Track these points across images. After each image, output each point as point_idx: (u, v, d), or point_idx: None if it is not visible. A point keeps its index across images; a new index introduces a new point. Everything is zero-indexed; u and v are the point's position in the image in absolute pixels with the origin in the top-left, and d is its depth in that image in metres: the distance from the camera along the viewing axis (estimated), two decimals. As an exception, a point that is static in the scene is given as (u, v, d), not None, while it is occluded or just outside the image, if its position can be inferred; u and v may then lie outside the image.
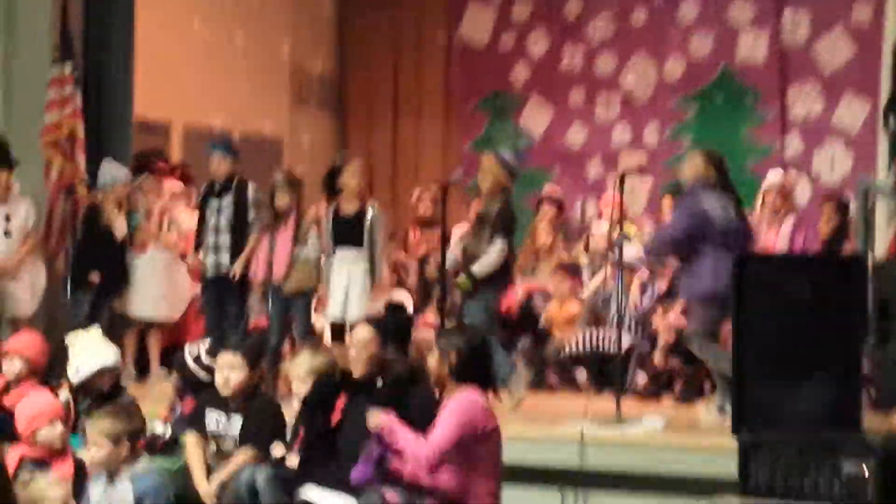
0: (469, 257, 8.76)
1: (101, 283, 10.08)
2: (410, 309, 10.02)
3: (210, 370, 7.42)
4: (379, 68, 15.19)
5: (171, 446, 7.24)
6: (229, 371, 7.07)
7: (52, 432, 6.69)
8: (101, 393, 7.42)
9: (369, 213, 9.28)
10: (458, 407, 5.91)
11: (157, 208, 10.58)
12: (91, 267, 10.14)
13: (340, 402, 6.70)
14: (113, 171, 10.37)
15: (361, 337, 6.60)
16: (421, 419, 6.13)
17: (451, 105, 14.99)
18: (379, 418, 6.02)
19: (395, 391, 6.45)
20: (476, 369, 6.09)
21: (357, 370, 6.57)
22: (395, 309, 7.32)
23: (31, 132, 10.56)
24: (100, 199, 10.32)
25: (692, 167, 8.37)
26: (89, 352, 7.53)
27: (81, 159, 10.60)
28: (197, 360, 7.56)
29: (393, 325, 6.69)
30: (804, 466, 6.37)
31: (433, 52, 15.08)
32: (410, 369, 6.67)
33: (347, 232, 9.31)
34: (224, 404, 7.14)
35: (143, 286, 10.39)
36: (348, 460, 6.38)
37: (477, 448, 5.91)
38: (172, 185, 10.85)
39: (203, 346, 7.74)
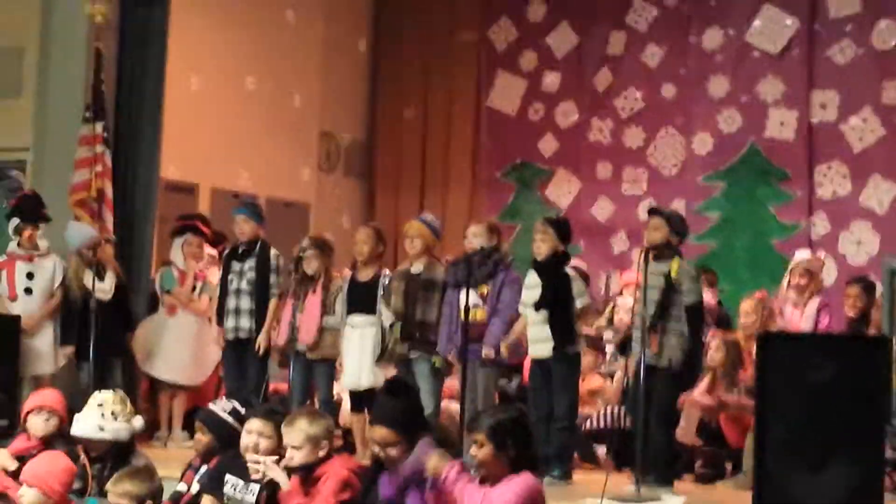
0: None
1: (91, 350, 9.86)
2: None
3: (238, 416, 7.39)
4: (408, 135, 15.30)
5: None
6: (258, 437, 7.00)
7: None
8: (116, 456, 7.37)
9: (382, 281, 9.31)
10: (520, 488, 5.81)
11: (193, 271, 10.60)
12: (69, 336, 10.06)
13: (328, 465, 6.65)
14: (76, 232, 10.27)
15: (379, 438, 6.49)
16: None
17: (479, 175, 15.06)
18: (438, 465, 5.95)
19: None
20: (527, 450, 6.02)
21: (387, 465, 6.50)
22: (398, 387, 7.16)
23: (61, 190, 10.63)
24: (68, 266, 10.22)
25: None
26: (94, 414, 7.45)
27: (109, 218, 10.66)
28: (233, 412, 7.50)
29: (398, 416, 6.56)
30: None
31: (463, 121, 15.17)
32: (437, 444, 6.58)
33: (361, 299, 9.36)
34: (244, 471, 7.08)
35: (171, 349, 10.43)
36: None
37: None
38: (209, 250, 10.88)
39: (229, 402, 7.67)
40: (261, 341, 9.61)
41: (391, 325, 9.18)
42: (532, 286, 8.84)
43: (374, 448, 6.42)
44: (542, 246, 8.85)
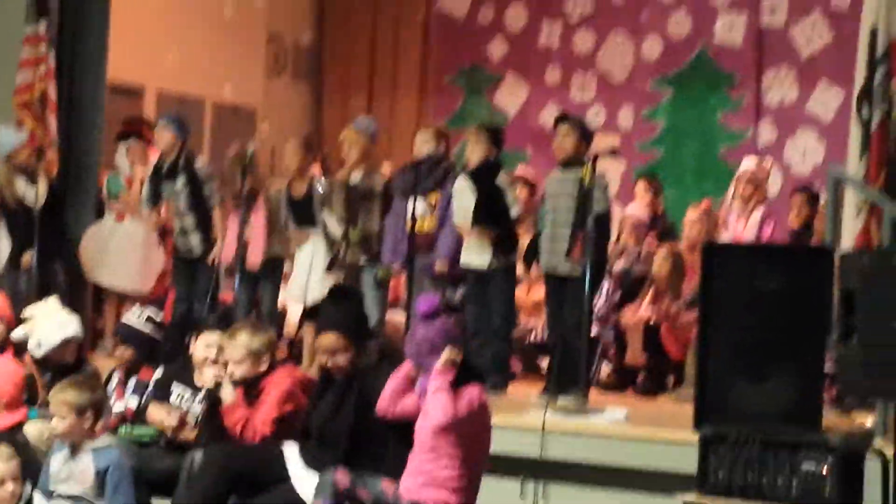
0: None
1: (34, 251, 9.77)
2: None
3: (154, 322, 7.44)
4: (357, 39, 15.14)
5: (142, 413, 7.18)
6: (217, 350, 7.00)
7: None
8: (64, 365, 7.38)
9: (317, 192, 9.27)
10: (474, 392, 5.85)
11: (139, 176, 10.46)
12: (13, 238, 9.95)
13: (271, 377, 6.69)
14: (4, 138, 10.11)
15: (329, 345, 6.48)
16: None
17: (427, 80, 14.96)
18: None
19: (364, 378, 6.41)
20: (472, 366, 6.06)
21: (336, 374, 6.49)
22: (341, 294, 7.16)
23: (5, 92, 10.46)
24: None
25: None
26: (52, 323, 7.46)
27: (53, 122, 10.49)
28: (149, 320, 7.51)
29: (347, 321, 6.56)
30: (763, 464, 6.40)
31: (412, 25, 15.03)
32: (380, 353, 6.60)
33: (302, 213, 9.31)
34: (192, 381, 7.11)
35: (119, 257, 10.29)
36: (319, 443, 6.39)
37: (472, 439, 5.86)
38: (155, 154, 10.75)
39: (143, 310, 7.67)
40: (214, 255, 9.51)
41: (345, 232, 9.10)
42: (460, 193, 8.72)
43: (322, 357, 6.45)
44: (474, 152, 8.75)
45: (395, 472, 5.94)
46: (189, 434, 6.89)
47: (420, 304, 6.04)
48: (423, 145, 9.19)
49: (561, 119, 8.88)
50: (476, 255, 8.62)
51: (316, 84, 15.17)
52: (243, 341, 6.65)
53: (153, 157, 10.42)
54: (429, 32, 14.99)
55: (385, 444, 6.16)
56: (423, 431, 5.82)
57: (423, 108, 14.78)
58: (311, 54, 15.18)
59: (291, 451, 6.37)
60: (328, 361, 6.37)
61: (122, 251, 10.33)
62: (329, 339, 6.39)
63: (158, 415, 7.00)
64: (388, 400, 5.99)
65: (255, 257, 9.26)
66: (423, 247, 8.82)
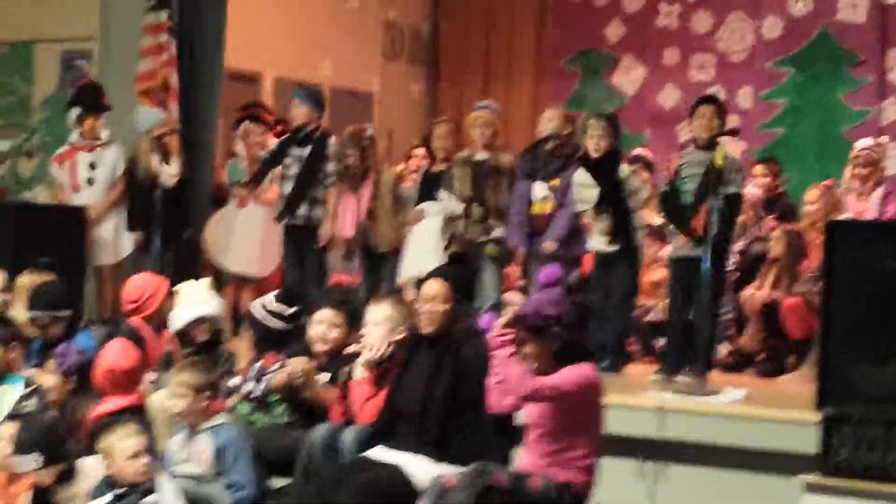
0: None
1: (154, 237, 9.95)
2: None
3: (281, 317, 7.45)
4: (472, 23, 15.15)
5: (263, 401, 7.22)
6: (328, 328, 7.02)
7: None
8: (199, 344, 7.47)
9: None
10: (574, 372, 5.77)
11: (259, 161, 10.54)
12: (138, 222, 10.11)
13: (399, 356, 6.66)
14: (147, 117, 10.26)
15: (430, 292, 6.51)
16: (478, 371, 6.08)
17: (543, 63, 14.88)
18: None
19: (459, 345, 6.39)
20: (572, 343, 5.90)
21: (427, 326, 6.51)
22: (458, 260, 7.20)
23: (127, 79, 10.63)
24: (136, 148, 10.22)
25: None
26: (191, 301, 7.55)
27: (174, 108, 10.61)
28: (270, 312, 7.56)
29: (457, 278, 6.56)
30: (889, 444, 6.28)
31: (527, 8, 14.98)
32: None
33: (434, 190, 9.36)
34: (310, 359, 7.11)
35: (240, 241, 10.39)
36: (407, 420, 6.37)
37: (579, 419, 5.79)
38: (274, 139, 10.80)
39: (271, 296, 7.73)
40: (324, 233, 9.56)
41: (465, 209, 9.08)
42: (585, 184, 8.68)
43: (422, 306, 6.45)
44: (602, 142, 8.67)
45: (493, 458, 5.92)
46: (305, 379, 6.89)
47: (541, 275, 6.00)
48: (549, 123, 9.17)
49: (705, 100, 8.74)
50: (600, 240, 8.62)
51: (432, 69, 15.20)
52: (386, 307, 6.70)
53: (272, 141, 10.51)
54: (544, 16, 14.92)
55: (479, 428, 6.16)
56: (538, 413, 5.78)
57: (540, 91, 14.70)
58: (427, 39, 15.20)
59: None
60: (427, 310, 6.35)
61: (244, 236, 10.41)
62: (432, 286, 6.42)
63: (280, 375, 6.99)
64: (527, 386, 5.70)
65: (347, 231, 9.35)
66: (541, 229, 8.81)
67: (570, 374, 5.67)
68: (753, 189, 10.37)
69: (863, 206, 9.67)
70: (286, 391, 6.93)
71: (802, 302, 8.89)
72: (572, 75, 14.72)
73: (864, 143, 10.18)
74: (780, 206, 10.40)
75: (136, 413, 6.84)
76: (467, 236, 9.05)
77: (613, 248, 8.55)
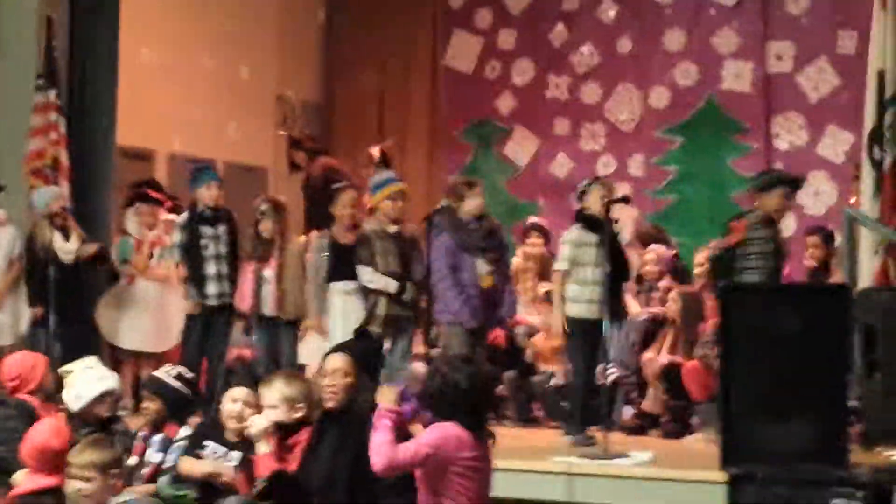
0: None
1: (51, 314, 9.85)
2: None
3: (186, 383, 7.37)
4: (365, 96, 15.17)
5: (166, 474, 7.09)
6: (243, 406, 6.96)
7: None
8: (99, 421, 7.33)
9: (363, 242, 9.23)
10: (431, 432, 5.75)
11: (149, 239, 10.52)
12: (37, 299, 10.00)
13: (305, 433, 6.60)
14: (43, 196, 10.17)
15: (331, 366, 6.49)
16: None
17: (437, 134, 14.96)
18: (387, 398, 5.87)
19: (364, 419, 6.35)
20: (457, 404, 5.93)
21: (329, 401, 6.48)
22: (363, 335, 7.24)
23: (15, 159, 10.54)
24: (34, 226, 10.14)
25: None
26: (90, 377, 7.41)
27: (66, 187, 10.56)
28: (179, 377, 7.47)
29: (362, 353, 6.55)
30: (792, 502, 6.35)
31: (420, 81, 15.06)
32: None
33: (346, 264, 9.24)
34: (224, 438, 7.02)
35: (134, 318, 10.37)
36: (317, 494, 6.32)
37: (451, 478, 5.75)
38: (165, 216, 10.77)
39: (174, 368, 7.64)
40: (238, 301, 9.53)
41: (400, 287, 9.01)
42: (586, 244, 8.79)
43: (325, 380, 6.42)
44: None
45: None
46: (226, 480, 6.80)
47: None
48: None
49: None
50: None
51: (325, 141, 15.19)
52: (279, 387, 6.63)
53: (163, 217, 10.48)
54: (437, 88, 15.02)
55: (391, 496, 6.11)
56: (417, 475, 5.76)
57: (434, 162, 14.77)
58: (319, 112, 15.21)
59: None
60: (331, 384, 6.33)
61: (138, 313, 10.38)
62: (334, 360, 6.41)
63: (194, 465, 6.89)
64: (384, 454, 5.65)
65: (247, 302, 9.36)
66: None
67: (428, 435, 5.67)
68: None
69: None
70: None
71: (702, 364, 8.99)
72: (466, 147, 14.82)
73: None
74: (674, 269, 10.54)
75: (56, 495, 6.68)
76: (391, 313, 9.01)
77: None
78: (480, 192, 9.21)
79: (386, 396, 5.78)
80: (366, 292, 9.13)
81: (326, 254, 9.37)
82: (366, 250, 9.10)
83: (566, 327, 8.70)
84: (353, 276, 9.18)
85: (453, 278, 8.85)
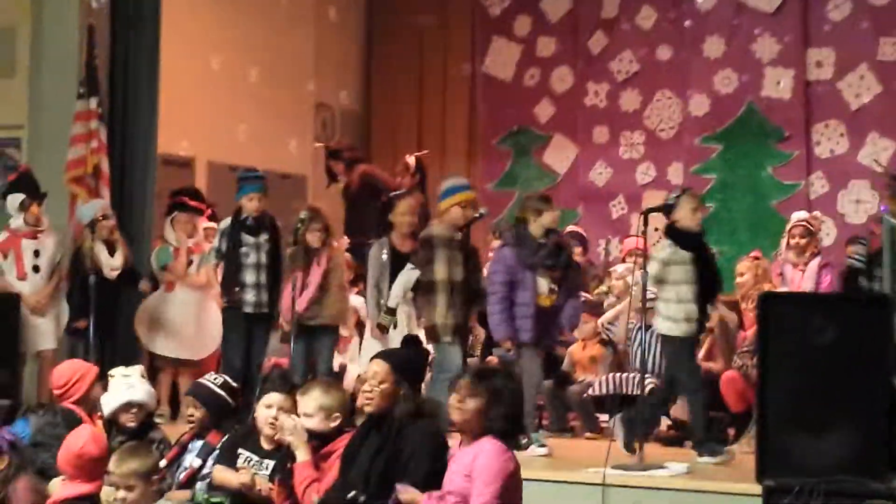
0: None
1: (91, 326, 9.89)
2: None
3: (231, 392, 7.39)
4: (404, 104, 15.23)
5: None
6: (277, 411, 6.93)
7: None
8: (129, 429, 7.39)
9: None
10: (495, 463, 5.74)
11: (187, 247, 10.57)
12: (79, 311, 10.04)
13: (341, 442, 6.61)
14: (88, 210, 10.24)
15: (371, 372, 6.49)
16: (413, 455, 6.06)
17: (475, 142, 14.99)
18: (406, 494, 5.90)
19: (401, 427, 6.35)
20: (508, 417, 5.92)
21: (367, 406, 6.48)
22: (411, 341, 7.21)
23: (57, 167, 10.63)
24: (82, 238, 10.19)
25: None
26: (120, 386, 7.47)
27: (106, 194, 10.66)
28: (224, 385, 7.48)
29: (406, 359, 6.54)
30: (828, 515, 6.31)
31: (458, 88, 15.12)
32: (418, 406, 6.54)
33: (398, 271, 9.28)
34: (258, 446, 7.04)
35: (172, 326, 10.45)
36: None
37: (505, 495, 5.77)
38: (205, 223, 10.84)
39: (219, 376, 7.66)
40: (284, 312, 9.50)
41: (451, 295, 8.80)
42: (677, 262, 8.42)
43: (363, 387, 6.41)
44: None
45: None
46: (262, 492, 6.81)
47: None
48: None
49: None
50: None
51: (364, 149, 15.22)
52: (316, 396, 6.64)
53: (202, 225, 10.53)
54: (475, 95, 15.05)
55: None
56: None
57: (472, 170, 14.75)
58: (359, 121, 15.26)
59: None
60: (370, 391, 6.31)
61: (176, 321, 10.46)
62: (373, 366, 6.39)
63: (228, 475, 6.91)
64: None
65: (301, 305, 9.29)
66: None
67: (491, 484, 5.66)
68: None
69: (800, 278, 9.80)
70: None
71: (739, 375, 8.95)
72: (504, 154, 14.83)
73: (800, 215, 10.34)
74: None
75: (92, 502, 6.72)
76: (452, 322, 8.80)
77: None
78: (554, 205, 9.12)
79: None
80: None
81: (386, 257, 9.41)
82: (426, 252, 8.89)
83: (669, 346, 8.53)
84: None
85: (503, 295, 8.67)
